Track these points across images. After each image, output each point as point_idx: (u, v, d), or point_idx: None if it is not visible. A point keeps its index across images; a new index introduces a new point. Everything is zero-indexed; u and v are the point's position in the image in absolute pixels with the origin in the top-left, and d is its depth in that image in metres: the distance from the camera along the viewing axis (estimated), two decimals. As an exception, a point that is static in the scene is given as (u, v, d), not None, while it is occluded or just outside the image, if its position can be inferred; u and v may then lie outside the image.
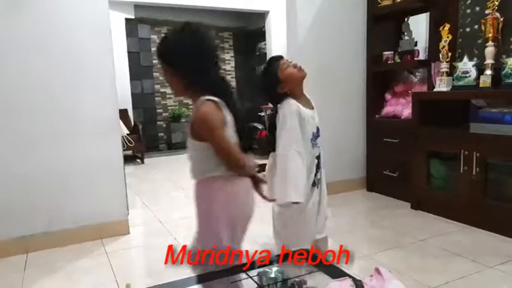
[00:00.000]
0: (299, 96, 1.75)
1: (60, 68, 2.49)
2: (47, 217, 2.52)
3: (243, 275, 1.34)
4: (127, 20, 6.40)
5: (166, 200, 3.73)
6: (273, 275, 1.25)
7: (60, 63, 2.48)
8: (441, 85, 2.77)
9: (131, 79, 6.52)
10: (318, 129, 1.85)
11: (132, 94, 6.58)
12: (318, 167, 1.87)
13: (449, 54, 2.75)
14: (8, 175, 2.41)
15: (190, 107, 7.53)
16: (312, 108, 1.82)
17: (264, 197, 1.45)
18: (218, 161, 1.27)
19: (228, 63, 7.95)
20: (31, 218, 2.48)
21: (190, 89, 1.28)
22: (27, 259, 2.39)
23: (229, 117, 1.28)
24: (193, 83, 1.25)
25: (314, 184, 1.87)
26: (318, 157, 1.85)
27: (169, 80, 1.31)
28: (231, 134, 1.28)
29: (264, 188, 1.44)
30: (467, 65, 2.65)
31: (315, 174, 1.86)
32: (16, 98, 2.40)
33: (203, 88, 1.24)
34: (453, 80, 2.73)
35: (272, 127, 1.75)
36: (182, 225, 2.91)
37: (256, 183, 1.42)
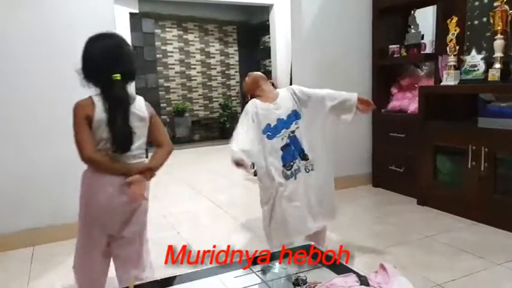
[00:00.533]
0: (260, 95, 2.02)
1: (65, 61, 2.45)
2: (52, 210, 2.52)
3: (247, 270, 1.33)
4: (131, 14, 6.37)
5: (169, 194, 3.72)
6: (276, 271, 1.23)
7: (65, 57, 2.46)
8: (449, 79, 2.72)
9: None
10: (281, 120, 1.90)
11: (136, 88, 6.56)
12: (291, 157, 1.88)
13: (457, 47, 2.70)
14: (13, 168, 2.42)
15: (194, 101, 7.54)
16: (275, 100, 1.95)
17: (130, 197, 1.47)
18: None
19: (232, 57, 7.92)
20: (36, 211, 2.49)
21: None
22: (34, 252, 2.39)
23: (102, 117, 1.42)
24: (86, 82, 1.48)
25: (288, 176, 1.86)
26: (283, 148, 1.88)
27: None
28: (100, 131, 1.43)
29: (138, 188, 1.47)
30: (475, 59, 2.60)
31: (286, 165, 1.87)
32: (20, 91, 2.40)
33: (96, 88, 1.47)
34: (461, 73, 2.69)
35: None
36: (185, 219, 2.90)
37: (128, 183, 1.46)
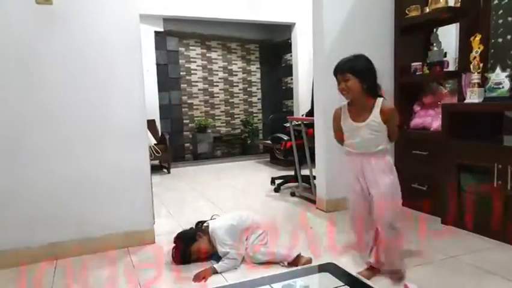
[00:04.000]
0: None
1: (93, 78, 2.57)
2: (76, 224, 2.58)
3: (268, 287, 1.33)
4: (156, 32, 6.57)
5: (192, 209, 3.76)
6: (297, 288, 1.23)
7: (93, 74, 2.57)
8: (473, 96, 2.69)
9: (159, 90, 6.67)
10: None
11: (160, 105, 6.72)
12: None
13: (481, 65, 2.68)
14: (37, 182, 2.49)
15: (216, 117, 7.64)
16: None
17: None
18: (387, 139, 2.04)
19: (254, 75, 8.01)
20: (60, 225, 2.55)
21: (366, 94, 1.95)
22: (56, 265, 2.45)
23: None
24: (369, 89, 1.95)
25: None
26: None
27: (353, 87, 1.94)
28: None
29: None
30: (500, 76, 2.57)
31: None
32: (48, 106, 2.49)
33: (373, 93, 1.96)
34: (485, 91, 2.65)
35: None
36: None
37: None
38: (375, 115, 1.93)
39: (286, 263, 2.28)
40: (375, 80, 1.97)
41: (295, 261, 2.27)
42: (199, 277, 2.15)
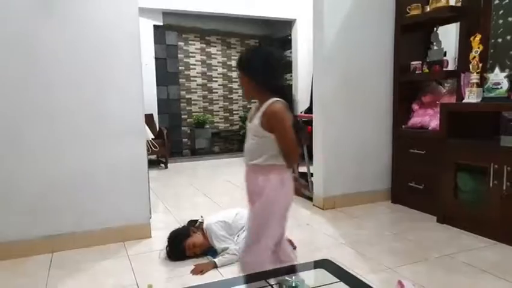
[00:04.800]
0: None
1: (90, 71, 2.56)
2: (73, 218, 2.58)
3: (263, 283, 1.33)
4: (155, 26, 6.54)
5: (188, 204, 3.76)
6: (293, 284, 1.23)
7: (90, 67, 2.56)
8: (471, 96, 2.69)
9: (157, 85, 6.64)
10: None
11: (158, 99, 6.70)
12: None
13: (480, 65, 2.68)
14: (36, 175, 2.49)
15: (215, 113, 7.63)
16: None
17: (297, 190, 1.56)
18: (277, 150, 1.56)
19: (253, 71, 7.99)
20: (58, 218, 2.55)
21: (261, 92, 1.60)
22: (53, 258, 2.45)
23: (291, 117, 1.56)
24: (263, 87, 1.59)
25: None
26: None
27: (243, 84, 1.66)
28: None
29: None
30: (498, 76, 2.57)
31: None
32: (47, 100, 2.48)
33: (272, 91, 1.57)
34: (483, 91, 2.66)
35: None
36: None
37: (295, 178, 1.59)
38: (257, 116, 1.58)
39: None
40: (271, 76, 1.60)
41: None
42: (197, 270, 2.18)
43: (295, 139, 1.54)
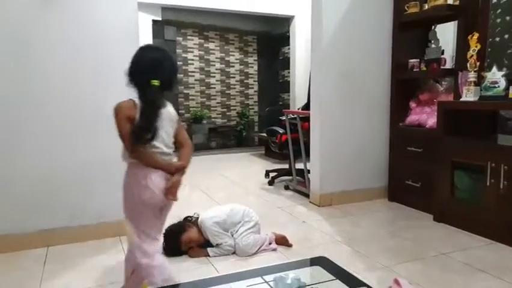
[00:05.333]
0: None
1: (88, 66, 2.55)
2: (68, 212, 2.57)
3: (259, 279, 1.34)
4: (154, 21, 6.51)
5: (184, 200, 3.74)
6: (289, 281, 1.23)
7: (88, 61, 2.54)
8: (469, 95, 2.70)
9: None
10: None
11: (156, 95, 6.67)
12: None
13: (478, 63, 2.68)
14: (31, 169, 2.48)
15: (212, 109, 7.61)
16: None
17: (165, 192, 1.64)
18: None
19: (251, 67, 7.98)
20: (53, 212, 2.54)
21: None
22: (48, 253, 2.44)
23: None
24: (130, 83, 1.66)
25: None
26: None
27: None
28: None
29: (174, 184, 1.64)
30: (496, 75, 2.57)
31: None
32: (42, 93, 2.47)
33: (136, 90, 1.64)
34: (481, 90, 2.66)
35: None
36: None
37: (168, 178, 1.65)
38: None
39: (273, 244, 2.44)
40: (136, 73, 1.66)
41: (279, 239, 2.50)
42: (191, 253, 2.34)
43: (128, 136, 1.57)
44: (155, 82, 1.62)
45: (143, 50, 1.74)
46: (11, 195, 2.46)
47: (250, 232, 2.42)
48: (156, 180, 1.62)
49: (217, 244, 2.36)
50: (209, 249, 2.36)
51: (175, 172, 1.66)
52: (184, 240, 2.36)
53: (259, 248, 2.38)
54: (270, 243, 2.44)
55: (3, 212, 2.44)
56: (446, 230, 2.78)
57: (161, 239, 1.78)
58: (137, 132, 1.57)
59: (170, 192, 1.65)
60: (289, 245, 2.47)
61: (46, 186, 2.52)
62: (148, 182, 1.61)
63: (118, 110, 1.61)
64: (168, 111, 1.71)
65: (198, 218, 2.47)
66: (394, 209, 3.36)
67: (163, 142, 1.66)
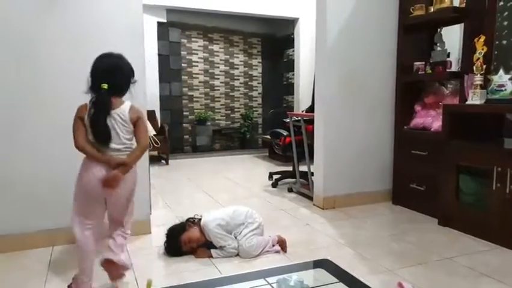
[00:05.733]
0: None
1: (90, 66, 2.55)
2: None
3: (262, 281, 1.33)
4: (158, 23, 6.53)
5: (189, 201, 3.75)
6: (292, 283, 1.23)
7: (91, 62, 2.54)
8: (475, 98, 2.68)
9: (160, 81, 6.64)
10: None
11: (160, 96, 6.70)
12: None
13: (484, 66, 2.66)
14: (36, 169, 2.49)
15: (216, 110, 7.63)
16: None
17: (103, 186, 1.81)
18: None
19: (255, 69, 7.98)
20: (57, 212, 2.54)
21: None
22: (53, 252, 2.45)
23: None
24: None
25: None
26: None
27: None
28: (89, 129, 1.83)
29: (110, 177, 1.81)
30: (502, 78, 2.56)
31: None
32: (45, 93, 2.47)
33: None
34: (487, 93, 2.64)
35: None
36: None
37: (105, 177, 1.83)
38: None
39: (276, 246, 2.42)
40: (90, 78, 1.88)
41: (280, 242, 2.46)
42: (196, 253, 2.35)
43: (75, 134, 1.85)
44: (104, 86, 1.82)
45: (99, 57, 1.93)
46: (16, 194, 2.46)
47: (254, 234, 2.41)
48: (95, 171, 1.82)
49: (220, 246, 2.35)
50: (212, 251, 2.35)
51: (116, 167, 1.82)
52: (184, 240, 2.35)
53: (262, 250, 2.37)
54: (273, 245, 2.43)
55: (8, 212, 2.45)
56: (450, 234, 2.75)
57: (98, 226, 1.98)
58: (100, 136, 1.82)
59: (106, 183, 1.81)
60: (284, 251, 2.44)
61: (50, 186, 2.52)
62: (89, 172, 1.83)
63: (76, 111, 1.87)
64: (120, 112, 1.86)
65: (200, 219, 2.47)
66: (398, 212, 3.34)
67: (114, 141, 1.84)
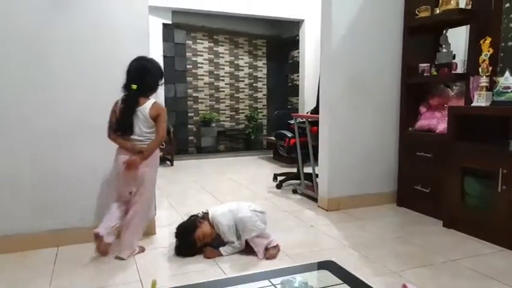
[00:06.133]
0: None
1: (98, 68, 2.57)
2: (79, 213, 2.60)
3: (266, 282, 1.33)
4: (164, 25, 6.56)
5: (193, 202, 3.76)
6: (296, 285, 1.23)
7: (99, 64, 2.57)
8: (480, 100, 2.67)
9: (165, 83, 6.62)
10: None
11: (165, 97, 6.72)
12: None
13: (490, 68, 2.65)
14: (42, 170, 2.51)
15: (221, 112, 7.64)
16: None
17: (123, 168, 2.28)
18: None
19: (260, 70, 7.99)
20: (63, 213, 2.57)
21: None
22: (58, 252, 2.46)
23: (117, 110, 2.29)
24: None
25: None
26: None
27: None
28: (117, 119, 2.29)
29: (129, 165, 2.26)
30: (508, 80, 2.54)
31: None
32: (55, 93, 2.50)
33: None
34: (493, 95, 2.63)
35: None
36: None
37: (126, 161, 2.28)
38: None
39: (264, 250, 2.35)
40: (126, 79, 2.30)
41: (270, 250, 2.36)
42: (207, 254, 2.35)
43: (108, 125, 2.31)
44: (134, 86, 2.22)
45: (133, 60, 2.29)
46: (23, 195, 2.48)
47: (257, 215, 2.43)
48: (121, 157, 2.28)
49: (227, 242, 2.37)
50: (221, 250, 2.36)
51: (136, 154, 2.25)
52: (198, 236, 2.35)
53: (259, 235, 2.34)
54: (266, 248, 2.35)
55: (15, 212, 2.47)
56: (455, 236, 2.74)
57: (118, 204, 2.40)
58: (122, 128, 2.26)
59: (126, 165, 2.24)
60: (272, 257, 2.35)
61: (57, 187, 2.54)
62: (118, 157, 2.31)
63: (113, 105, 2.30)
64: (143, 109, 2.26)
65: (206, 213, 2.48)
66: (403, 214, 3.33)
67: (136, 133, 2.27)
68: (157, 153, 2.39)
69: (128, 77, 2.25)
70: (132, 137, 2.26)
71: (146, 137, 2.28)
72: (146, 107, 2.25)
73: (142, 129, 2.27)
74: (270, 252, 2.34)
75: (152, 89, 2.34)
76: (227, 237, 2.38)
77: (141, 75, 2.25)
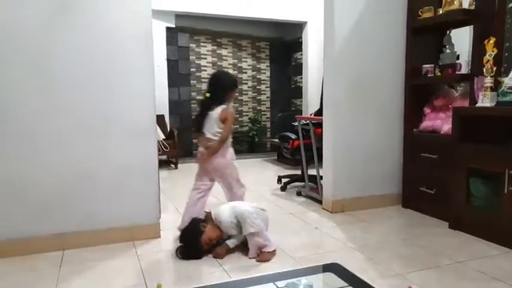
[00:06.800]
0: None
1: (102, 72, 2.58)
2: (83, 216, 2.60)
3: (271, 285, 1.33)
4: (167, 28, 6.59)
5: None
6: (301, 287, 1.23)
7: (102, 68, 2.58)
8: (485, 100, 2.66)
9: (169, 86, 6.69)
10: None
11: (169, 100, 6.74)
12: None
13: (494, 68, 2.64)
14: (46, 174, 2.52)
15: (225, 115, 7.63)
16: None
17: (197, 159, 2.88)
18: None
19: (264, 73, 8.00)
20: (68, 216, 2.57)
21: None
22: (63, 256, 2.47)
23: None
24: None
25: None
26: None
27: None
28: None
29: (200, 157, 2.82)
30: (513, 80, 2.53)
31: None
32: (56, 98, 2.50)
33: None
34: (497, 95, 2.62)
35: None
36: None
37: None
38: None
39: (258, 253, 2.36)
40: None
41: (264, 253, 2.35)
42: (217, 255, 2.38)
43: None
44: (207, 94, 2.75)
45: (212, 73, 2.99)
46: (27, 198, 2.49)
47: (258, 213, 2.45)
48: (199, 148, 2.82)
49: (230, 235, 2.44)
50: (228, 242, 2.42)
51: (206, 148, 2.72)
52: (205, 241, 2.38)
53: (256, 235, 2.34)
54: (261, 250, 2.35)
55: (20, 216, 2.48)
56: (461, 238, 2.73)
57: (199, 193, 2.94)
58: (195, 126, 2.81)
59: (198, 158, 2.83)
60: (264, 259, 2.34)
61: (61, 191, 2.55)
62: (198, 149, 2.85)
63: None
64: (214, 113, 2.69)
65: (209, 212, 2.50)
66: (408, 215, 3.32)
67: (208, 132, 2.71)
68: (227, 147, 2.76)
69: (207, 86, 2.84)
70: (207, 135, 2.70)
71: (218, 136, 2.68)
72: (217, 111, 2.67)
73: (213, 129, 2.68)
74: (263, 255, 2.34)
75: (221, 98, 2.72)
76: (231, 233, 2.43)
77: (213, 87, 2.76)
